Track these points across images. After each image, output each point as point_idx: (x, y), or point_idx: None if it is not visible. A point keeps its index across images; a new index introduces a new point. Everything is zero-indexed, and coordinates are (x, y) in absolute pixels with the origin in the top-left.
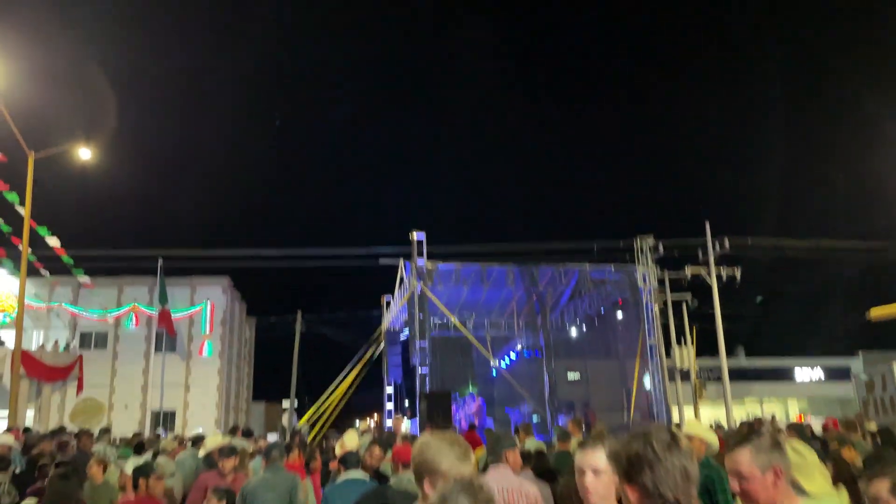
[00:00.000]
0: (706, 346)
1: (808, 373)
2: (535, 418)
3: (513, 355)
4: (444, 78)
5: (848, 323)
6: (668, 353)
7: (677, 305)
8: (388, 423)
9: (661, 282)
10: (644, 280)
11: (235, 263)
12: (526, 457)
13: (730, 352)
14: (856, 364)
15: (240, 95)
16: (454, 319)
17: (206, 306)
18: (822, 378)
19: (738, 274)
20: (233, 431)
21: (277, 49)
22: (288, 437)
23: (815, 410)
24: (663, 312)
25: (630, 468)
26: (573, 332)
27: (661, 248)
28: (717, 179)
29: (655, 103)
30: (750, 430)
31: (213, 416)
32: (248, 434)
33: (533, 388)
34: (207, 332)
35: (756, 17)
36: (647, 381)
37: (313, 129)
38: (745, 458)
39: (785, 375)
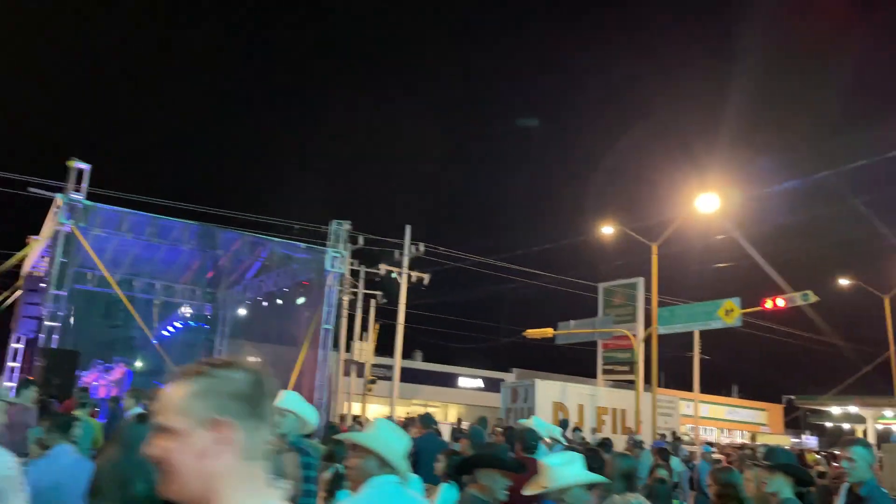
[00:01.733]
0: (388, 345)
1: (470, 381)
2: None
3: (178, 324)
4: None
5: (508, 340)
6: (349, 347)
7: (367, 301)
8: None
9: (354, 274)
10: (333, 264)
11: None
12: None
13: (408, 354)
14: (510, 378)
15: None
16: (103, 269)
17: None
18: (482, 387)
19: (426, 279)
20: None
21: None
22: None
23: (470, 415)
24: (352, 304)
25: None
26: (252, 309)
27: (360, 239)
28: (428, 190)
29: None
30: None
31: None
32: None
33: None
34: None
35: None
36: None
37: None
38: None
39: (451, 382)
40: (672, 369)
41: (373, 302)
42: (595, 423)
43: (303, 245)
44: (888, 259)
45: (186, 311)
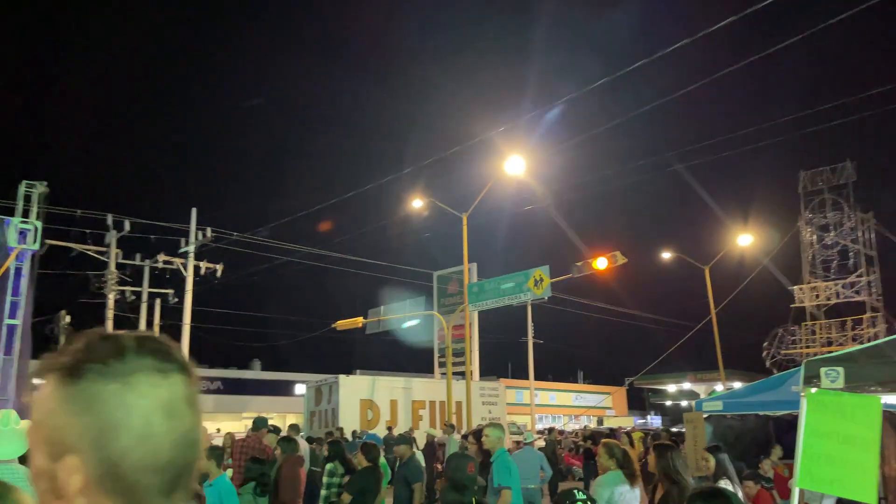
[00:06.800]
0: (214, 356)
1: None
2: None
3: None
4: None
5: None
6: None
7: (138, 300)
8: None
9: (122, 267)
10: (23, 239)
11: None
12: None
13: (244, 364)
14: None
15: None
16: None
17: None
18: None
19: (219, 270)
20: None
21: None
22: None
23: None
24: (134, 307)
25: None
26: None
27: (127, 225)
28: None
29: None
30: None
31: None
32: None
33: None
34: None
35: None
36: None
37: None
38: None
39: (287, 390)
40: (518, 360)
41: (157, 302)
42: (411, 418)
43: None
44: (706, 227)
45: None
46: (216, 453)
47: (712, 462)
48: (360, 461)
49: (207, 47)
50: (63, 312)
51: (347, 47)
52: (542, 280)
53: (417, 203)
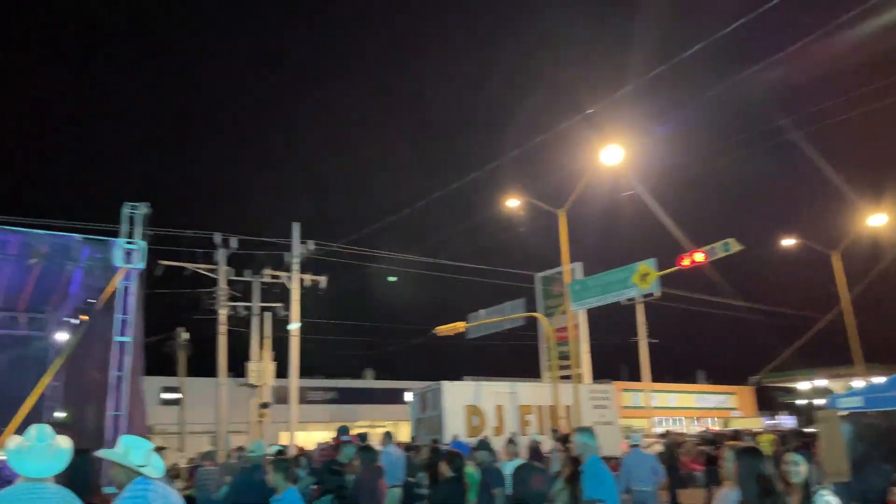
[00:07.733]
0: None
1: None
2: None
3: None
4: None
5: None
6: (240, 371)
7: (241, 315)
8: None
9: (233, 283)
10: (129, 258)
11: None
12: None
13: (357, 373)
14: None
15: None
16: None
17: None
18: None
19: (323, 281)
20: None
21: None
22: None
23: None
24: (245, 321)
25: None
26: (75, 331)
27: (232, 242)
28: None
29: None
30: None
31: None
32: None
33: None
34: None
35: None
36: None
37: None
38: None
39: (399, 398)
40: (632, 361)
41: (269, 316)
42: (518, 424)
43: (79, 237)
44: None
45: None
46: (283, 466)
47: (804, 467)
48: (444, 471)
49: (305, 60)
50: (180, 329)
51: (448, 56)
52: (648, 274)
53: (513, 202)
